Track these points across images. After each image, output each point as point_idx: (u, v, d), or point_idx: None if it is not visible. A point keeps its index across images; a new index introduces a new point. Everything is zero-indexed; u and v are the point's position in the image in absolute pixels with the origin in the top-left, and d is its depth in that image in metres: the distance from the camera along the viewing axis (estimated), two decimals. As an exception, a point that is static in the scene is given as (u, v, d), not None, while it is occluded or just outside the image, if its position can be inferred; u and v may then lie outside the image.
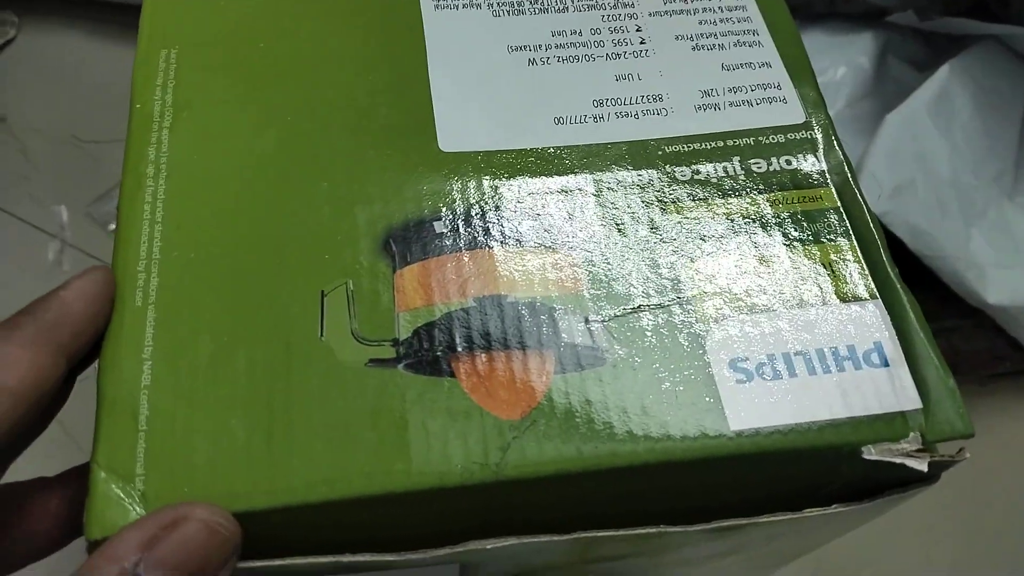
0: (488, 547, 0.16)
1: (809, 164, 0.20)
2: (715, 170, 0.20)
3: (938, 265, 0.33)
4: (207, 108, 0.20)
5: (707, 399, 0.17)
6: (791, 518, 0.17)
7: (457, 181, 0.19)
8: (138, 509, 0.15)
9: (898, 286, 0.18)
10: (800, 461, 0.17)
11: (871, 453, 0.16)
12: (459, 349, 0.17)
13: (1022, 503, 0.38)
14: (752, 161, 0.20)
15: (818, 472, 0.17)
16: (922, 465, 0.16)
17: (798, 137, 0.21)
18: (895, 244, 0.33)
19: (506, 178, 0.20)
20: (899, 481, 0.17)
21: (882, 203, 0.33)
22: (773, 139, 0.21)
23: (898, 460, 0.16)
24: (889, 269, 0.19)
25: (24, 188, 0.45)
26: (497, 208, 0.19)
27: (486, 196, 0.19)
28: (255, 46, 0.22)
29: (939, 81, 0.36)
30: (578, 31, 0.23)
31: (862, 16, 0.38)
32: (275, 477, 0.16)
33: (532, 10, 0.23)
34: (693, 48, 0.22)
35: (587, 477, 0.16)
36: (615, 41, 0.22)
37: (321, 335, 0.17)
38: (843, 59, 0.38)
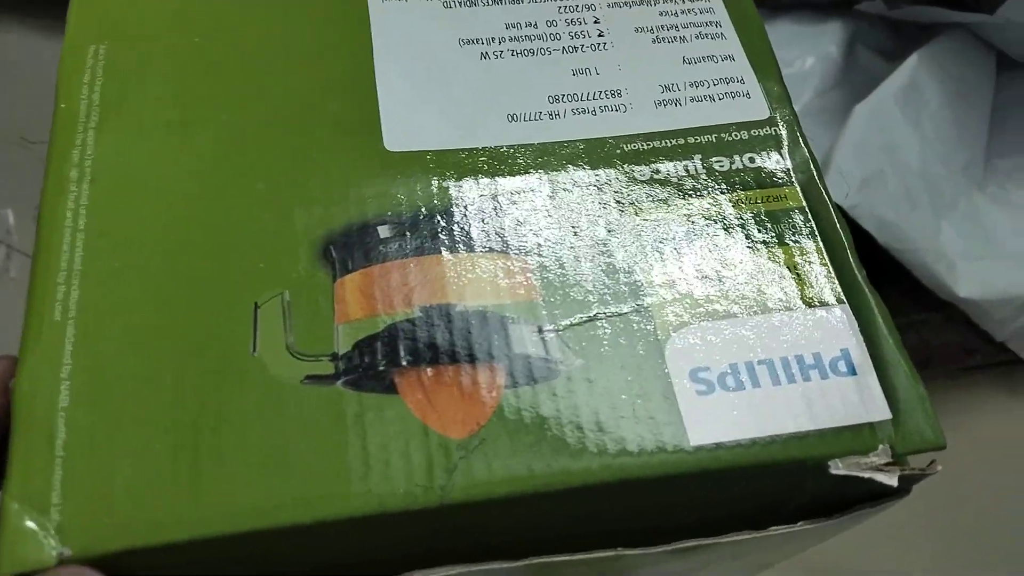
0: (439, 574, 0.15)
1: (773, 162, 0.19)
2: (675, 169, 0.19)
3: (907, 258, 0.33)
4: (137, 107, 0.19)
5: (666, 412, 0.16)
6: (755, 537, 0.16)
7: (404, 182, 0.18)
8: (53, 543, 0.14)
9: (866, 289, 0.18)
10: (764, 476, 0.16)
11: (839, 468, 0.15)
12: (403, 363, 0.16)
13: (995, 499, 0.37)
14: (714, 159, 0.19)
15: (783, 487, 0.16)
16: (892, 480, 0.15)
17: (762, 134, 0.20)
18: (863, 237, 0.32)
19: (456, 179, 0.19)
20: (869, 495, 0.16)
21: (850, 196, 0.32)
22: (736, 136, 0.20)
23: (867, 475, 0.15)
24: (856, 272, 0.18)
25: None
26: (446, 211, 0.18)
27: (434, 198, 0.18)
28: (190, 40, 0.20)
29: (908, 71, 0.35)
30: (533, 23, 0.21)
31: (831, 5, 0.38)
32: (200, 505, 0.15)
33: (485, 1, 0.22)
34: (653, 41, 0.21)
35: (540, 498, 0.15)
36: (572, 34, 0.21)
37: (254, 350, 0.16)
38: (812, 49, 0.37)
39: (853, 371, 0.16)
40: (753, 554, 0.19)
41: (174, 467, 0.15)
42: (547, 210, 0.18)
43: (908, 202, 0.33)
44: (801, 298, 0.17)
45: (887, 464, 0.16)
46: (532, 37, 0.21)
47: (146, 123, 0.19)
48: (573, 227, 0.18)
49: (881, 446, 0.16)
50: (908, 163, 0.34)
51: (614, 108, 0.20)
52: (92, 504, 0.15)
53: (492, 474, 0.15)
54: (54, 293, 0.17)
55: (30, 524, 0.14)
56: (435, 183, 0.18)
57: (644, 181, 0.19)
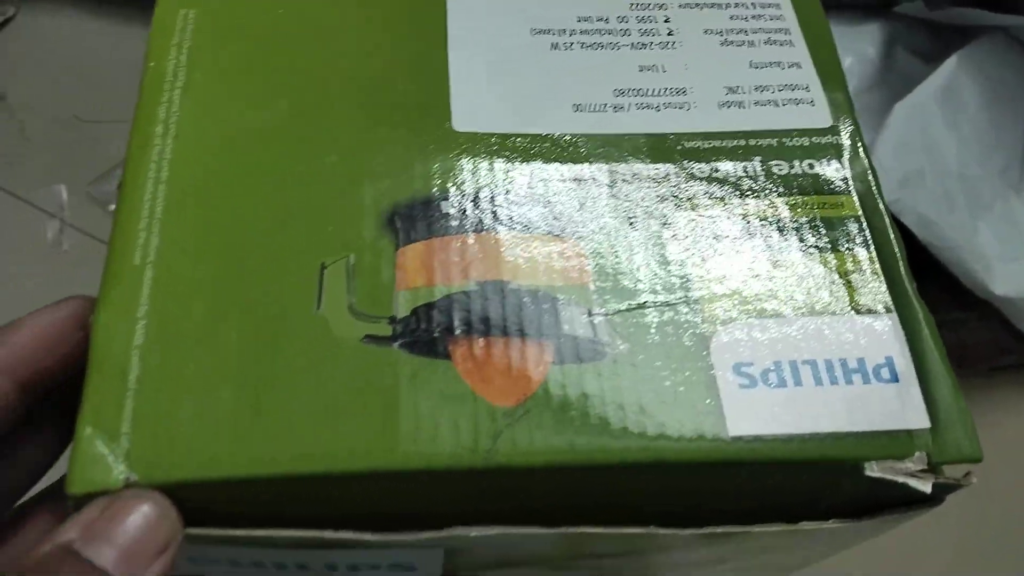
0: (472, 535, 0.15)
1: (832, 170, 0.20)
2: (734, 169, 0.19)
3: (945, 256, 0.33)
4: (221, 71, 0.20)
5: (707, 401, 0.16)
6: (786, 530, 0.16)
7: (468, 162, 0.19)
8: (121, 467, 0.15)
9: (915, 301, 0.18)
10: (799, 472, 0.16)
11: (873, 470, 0.16)
12: (457, 332, 0.17)
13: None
14: (773, 162, 0.20)
15: (817, 485, 0.17)
16: (926, 487, 0.16)
17: (823, 141, 0.20)
18: (903, 234, 0.33)
19: (519, 162, 0.19)
20: (901, 500, 0.17)
21: (891, 192, 0.32)
22: (797, 141, 0.20)
23: (901, 479, 0.16)
24: (907, 283, 0.18)
25: (24, 167, 0.45)
26: (507, 192, 0.19)
27: (497, 179, 0.19)
28: (274, 12, 0.21)
29: (947, 72, 0.35)
30: (605, 18, 0.22)
31: (869, 7, 0.38)
32: (259, 447, 0.15)
33: None
34: (722, 43, 0.22)
35: (578, 471, 0.16)
36: (642, 31, 0.22)
37: (317, 308, 0.17)
38: (850, 50, 0.37)
39: (896, 378, 0.17)
40: (779, 552, 0.19)
41: (235, 410, 0.16)
42: (605, 199, 0.19)
43: (946, 202, 0.33)
44: (850, 304, 0.18)
45: (922, 471, 0.16)
46: (602, 31, 0.22)
47: (228, 87, 0.20)
48: (629, 218, 0.19)
49: (917, 453, 0.16)
50: (946, 164, 0.34)
51: (678, 106, 0.20)
52: (158, 436, 0.15)
53: (534, 444, 0.16)
54: (135, 239, 0.18)
55: (101, 449, 0.15)
56: (498, 164, 0.19)
57: (702, 178, 0.19)
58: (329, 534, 0.16)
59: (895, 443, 0.16)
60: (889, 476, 0.16)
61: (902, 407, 0.16)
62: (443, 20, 0.21)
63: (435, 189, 0.19)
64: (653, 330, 0.17)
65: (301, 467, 0.15)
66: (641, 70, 0.21)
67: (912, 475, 0.16)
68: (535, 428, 0.16)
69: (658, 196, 0.19)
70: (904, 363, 0.17)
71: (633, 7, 0.22)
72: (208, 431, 0.16)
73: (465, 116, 0.20)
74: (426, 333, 0.17)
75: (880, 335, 0.17)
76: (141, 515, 0.15)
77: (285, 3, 0.21)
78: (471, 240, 0.18)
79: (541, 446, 0.16)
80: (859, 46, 0.38)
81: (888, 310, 0.18)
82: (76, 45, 0.50)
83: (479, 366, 0.16)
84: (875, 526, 0.17)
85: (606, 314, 0.17)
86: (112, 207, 0.44)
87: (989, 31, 0.37)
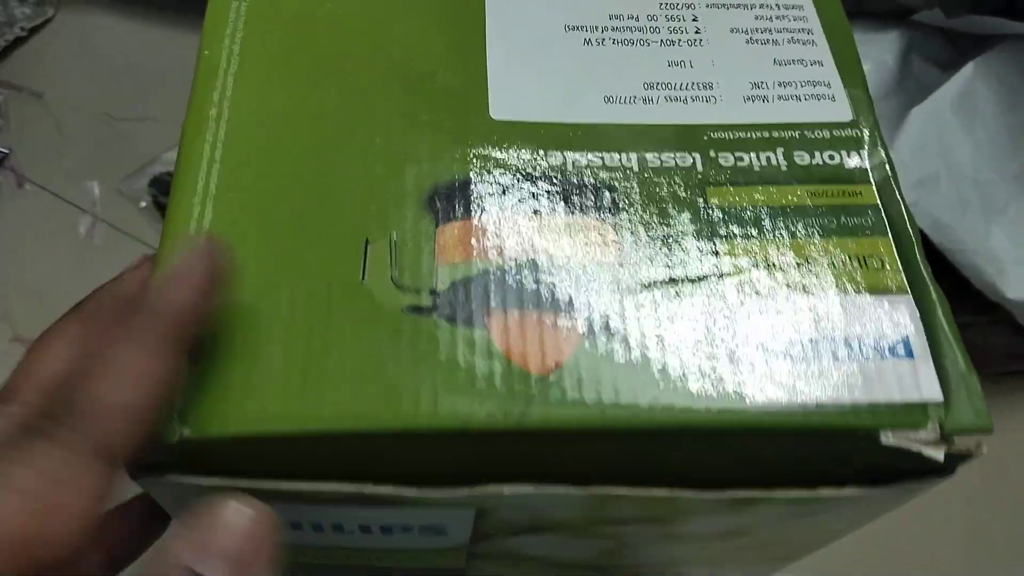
0: (506, 492, 0.16)
1: (853, 161, 0.21)
2: (758, 158, 0.20)
3: (958, 259, 0.34)
4: (272, 58, 0.21)
5: (732, 374, 0.17)
6: (805, 496, 0.17)
7: (505, 148, 0.20)
8: (176, 426, 0.16)
9: (929, 284, 0.19)
10: (817, 441, 0.17)
11: (889, 439, 0.17)
12: (493, 304, 0.18)
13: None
14: (795, 153, 0.20)
15: (834, 455, 0.17)
16: (939, 454, 0.16)
17: (844, 135, 0.21)
18: None
19: (553, 148, 0.20)
20: (915, 471, 0.17)
21: (906, 195, 0.33)
22: (819, 134, 0.21)
23: (915, 448, 0.16)
24: (922, 266, 0.19)
25: (58, 163, 0.47)
26: (543, 176, 0.20)
27: (532, 163, 0.20)
28: (323, 4, 0.22)
29: (964, 79, 0.36)
30: (635, 16, 0.23)
31: (888, 14, 0.39)
32: (307, 405, 0.16)
33: None
34: (747, 41, 0.23)
35: (606, 435, 0.17)
36: (671, 29, 0.23)
37: (363, 279, 0.18)
38: (868, 57, 0.38)
39: (911, 355, 0.18)
40: (796, 525, 0.20)
41: (285, 371, 0.17)
42: (635, 186, 0.20)
43: (960, 205, 0.34)
44: (867, 286, 0.18)
45: (935, 441, 0.17)
46: (633, 28, 0.23)
47: (279, 73, 0.21)
48: (658, 203, 0.20)
49: (931, 424, 0.17)
50: (961, 168, 0.34)
51: (705, 99, 0.21)
52: (210, 395, 0.17)
53: (565, 408, 0.17)
54: (190, 212, 0.19)
55: None
56: (533, 150, 0.20)
57: (728, 167, 0.20)
58: (370, 488, 0.17)
59: (909, 415, 0.17)
60: (904, 444, 0.16)
61: (916, 382, 0.17)
62: (482, 14, 0.22)
63: (473, 173, 0.20)
64: (680, 306, 0.18)
65: (346, 424, 0.16)
66: (670, 65, 0.22)
67: (926, 443, 0.16)
68: (566, 393, 0.17)
69: (686, 183, 0.20)
70: (919, 341, 0.18)
71: (663, 6, 0.23)
72: (258, 391, 0.17)
73: (502, 105, 0.21)
74: (464, 304, 0.18)
75: (896, 315, 0.18)
76: (245, 520, 0.14)
77: None
78: (507, 219, 0.19)
79: (572, 411, 0.17)
80: (877, 53, 0.38)
81: (903, 291, 0.18)
82: (111, 46, 0.51)
83: (514, 336, 0.17)
84: (891, 495, 0.17)
85: (635, 290, 0.18)
86: (143, 204, 0.45)
87: (1006, 39, 0.38)
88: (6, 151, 0.47)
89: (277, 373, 0.17)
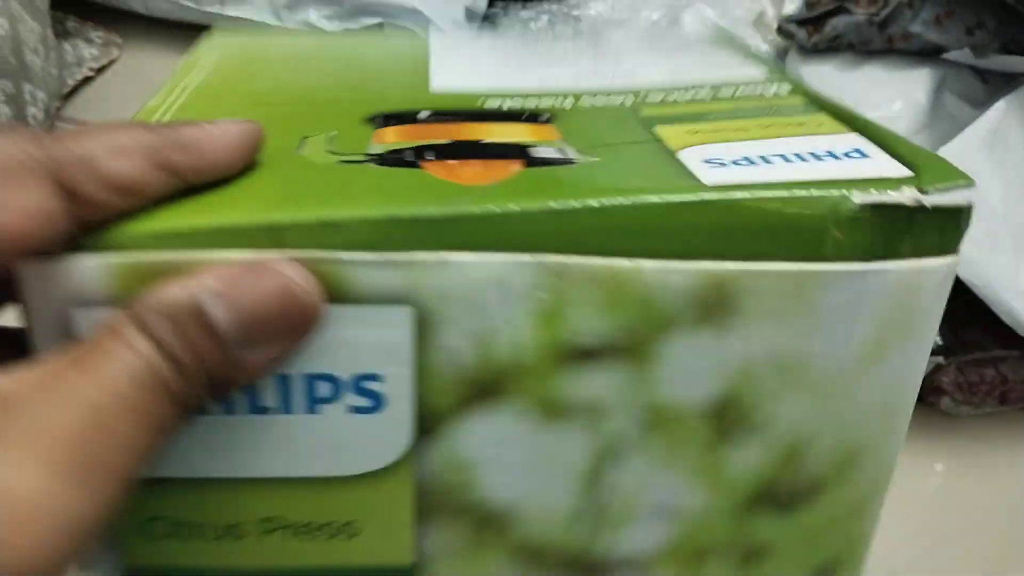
0: (451, 260, 0.14)
1: (772, 89, 0.22)
2: (685, 97, 0.21)
3: (987, 295, 0.32)
4: (217, 98, 0.22)
5: (683, 177, 0.16)
6: (788, 269, 0.15)
7: (444, 100, 0.21)
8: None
9: (870, 123, 0.18)
10: (785, 213, 0.15)
11: (860, 196, 0.15)
12: (428, 157, 0.17)
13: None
14: (720, 92, 0.22)
15: (807, 236, 0.15)
16: (912, 199, 0.15)
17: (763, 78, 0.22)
18: None
19: (494, 97, 0.21)
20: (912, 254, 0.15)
21: None
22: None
23: (891, 201, 0.15)
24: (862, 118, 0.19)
25: None
26: (480, 109, 0.20)
27: (472, 103, 0.21)
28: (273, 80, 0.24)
29: (994, 116, 0.36)
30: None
31: (919, 53, 0.40)
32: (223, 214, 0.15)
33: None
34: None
35: (555, 217, 0.15)
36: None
37: (298, 150, 0.18)
38: (900, 94, 0.39)
39: (866, 156, 0.17)
40: (793, 327, 0.16)
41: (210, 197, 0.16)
42: (576, 115, 0.20)
43: (989, 241, 0.33)
44: (815, 134, 0.18)
45: (912, 196, 0.15)
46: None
47: (228, 101, 0.22)
48: (600, 124, 0.20)
49: (904, 187, 0.15)
50: (991, 205, 0.34)
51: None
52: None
53: (508, 201, 0.15)
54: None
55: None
56: (474, 98, 0.21)
57: (661, 101, 0.21)
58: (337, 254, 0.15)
59: (880, 184, 0.16)
60: (878, 199, 0.15)
61: (878, 166, 0.16)
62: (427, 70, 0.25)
63: (421, 112, 0.20)
64: (622, 153, 0.18)
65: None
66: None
67: (903, 195, 0.15)
68: (511, 193, 0.16)
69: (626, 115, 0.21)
70: (872, 148, 0.17)
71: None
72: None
73: (442, 83, 0.22)
74: (398, 156, 0.17)
75: (846, 138, 0.18)
76: (283, 279, 0.14)
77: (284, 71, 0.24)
78: (449, 124, 0.19)
79: (518, 203, 0.15)
80: (909, 90, 0.39)
81: (848, 132, 0.18)
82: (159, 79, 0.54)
83: (452, 171, 0.17)
84: (893, 279, 0.15)
85: (576, 148, 0.18)
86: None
87: (1035, 78, 0.39)
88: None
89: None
